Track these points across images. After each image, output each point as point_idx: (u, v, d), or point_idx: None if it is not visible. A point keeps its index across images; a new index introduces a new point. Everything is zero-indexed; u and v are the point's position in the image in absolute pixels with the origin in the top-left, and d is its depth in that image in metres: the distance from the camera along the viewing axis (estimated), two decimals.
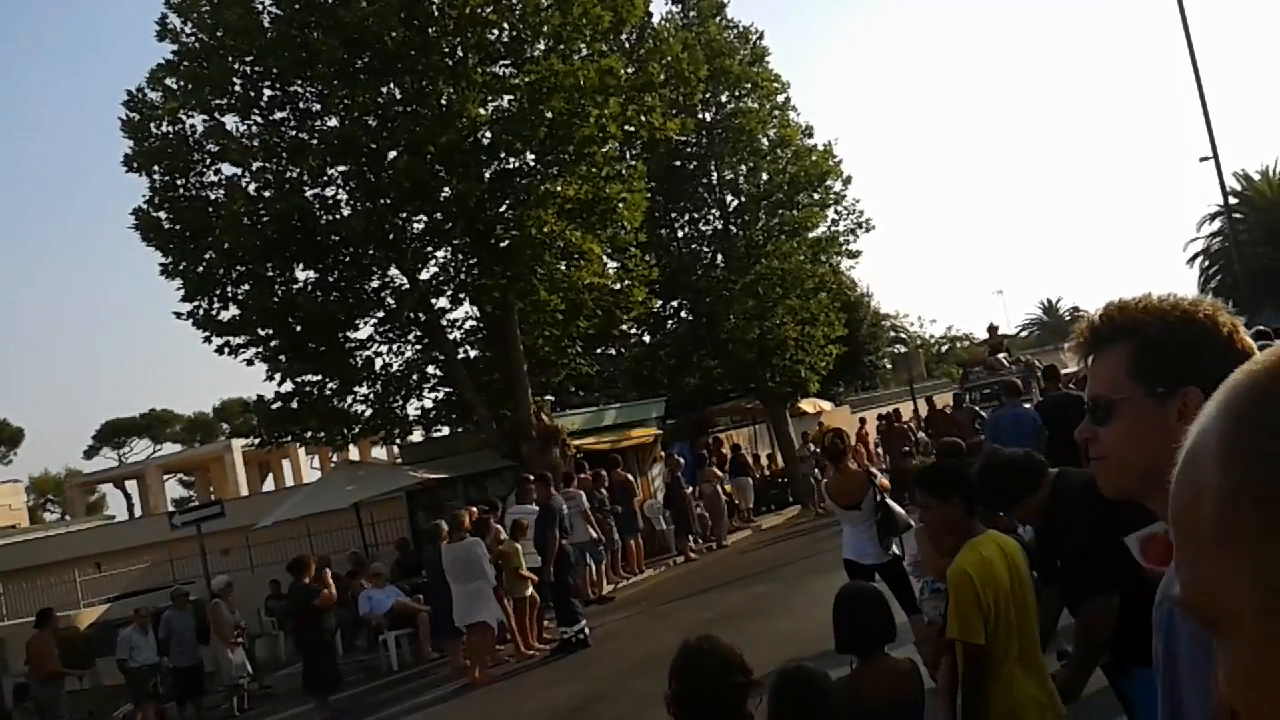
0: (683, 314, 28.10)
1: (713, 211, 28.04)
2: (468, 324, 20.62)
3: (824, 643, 5.60)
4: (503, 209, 18.67)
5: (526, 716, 10.13)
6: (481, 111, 17.52)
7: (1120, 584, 3.78)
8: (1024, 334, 72.74)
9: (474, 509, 15.13)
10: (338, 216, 18.26)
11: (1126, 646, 3.78)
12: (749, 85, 26.97)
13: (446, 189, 18.01)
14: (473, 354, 20.42)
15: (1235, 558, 0.65)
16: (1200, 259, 42.39)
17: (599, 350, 24.77)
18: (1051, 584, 4.39)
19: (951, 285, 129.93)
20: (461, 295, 19.90)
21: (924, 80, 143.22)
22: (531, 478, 15.30)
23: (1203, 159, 28.70)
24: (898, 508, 7.91)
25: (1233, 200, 33.17)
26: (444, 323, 19.73)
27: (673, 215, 27.81)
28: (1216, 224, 39.40)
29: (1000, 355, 23.55)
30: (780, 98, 27.72)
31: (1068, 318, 78.15)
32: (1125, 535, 3.75)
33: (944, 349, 56.98)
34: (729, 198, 27.93)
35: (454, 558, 12.55)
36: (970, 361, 27.89)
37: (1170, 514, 0.72)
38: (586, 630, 13.05)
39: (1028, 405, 12.84)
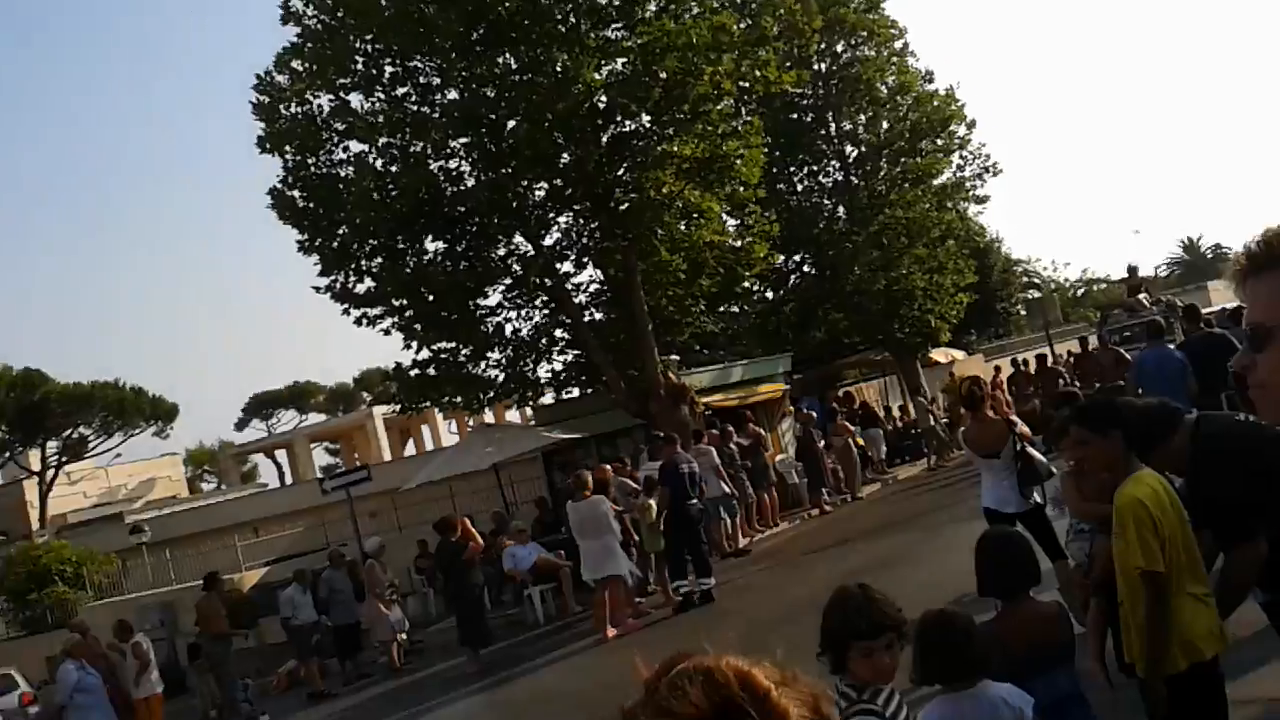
0: (805, 268, 27.92)
1: (832, 163, 27.71)
2: (592, 287, 20.94)
3: (967, 590, 5.62)
4: (621, 172, 18.80)
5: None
6: (596, 76, 17.61)
7: (1269, 529, 3.72)
8: (1165, 274, 69.60)
9: (606, 467, 15.46)
10: (462, 188, 18.67)
11: None
12: (865, 33, 26.47)
13: (565, 155, 18.21)
14: (598, 316, 20.70)
15: None
16: None
17: (722, 308, 24.80)
18: (1200, 528, 4.32)
19: (1086, 227, 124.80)
20: (585, 259, 20.18)
21: (1051, 14, 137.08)
22: (662, 435, 15.51)
23: None
24: (1039, 454, 7.80)
25: None
26: (569, 287, 20.05)
27: (791, 169, 27.57)
28: None
29: (1140, 296, 22.76)
30: (898, 44, 27.19)
31: (1210, 256, 74.57)
32: (1272, 477, 3.68)
33: (1080, 293, 55.10)
34: (848, 148, 27.54)
35: (580, 515, 12.87)
36: (1109, 304, 27.02)
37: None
38: (711, 585, 13.13)
39: (1171, 346, 12.43)
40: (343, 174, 18.76)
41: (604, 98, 18.18)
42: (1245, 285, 1.68)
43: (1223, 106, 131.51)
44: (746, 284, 22.13)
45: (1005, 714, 3.34)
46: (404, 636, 15.95)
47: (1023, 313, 37.98)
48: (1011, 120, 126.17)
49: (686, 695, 1.13)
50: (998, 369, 24.15)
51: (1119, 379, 13.55)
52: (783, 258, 25.80)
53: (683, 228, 19.61)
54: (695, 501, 13.54)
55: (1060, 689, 4.10)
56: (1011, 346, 35.64)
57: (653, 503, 13.62)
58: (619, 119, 18.74)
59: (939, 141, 27.07)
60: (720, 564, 15.78)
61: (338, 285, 18.88)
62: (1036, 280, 44.43)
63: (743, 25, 19.12)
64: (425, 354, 19.33)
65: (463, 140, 18.44)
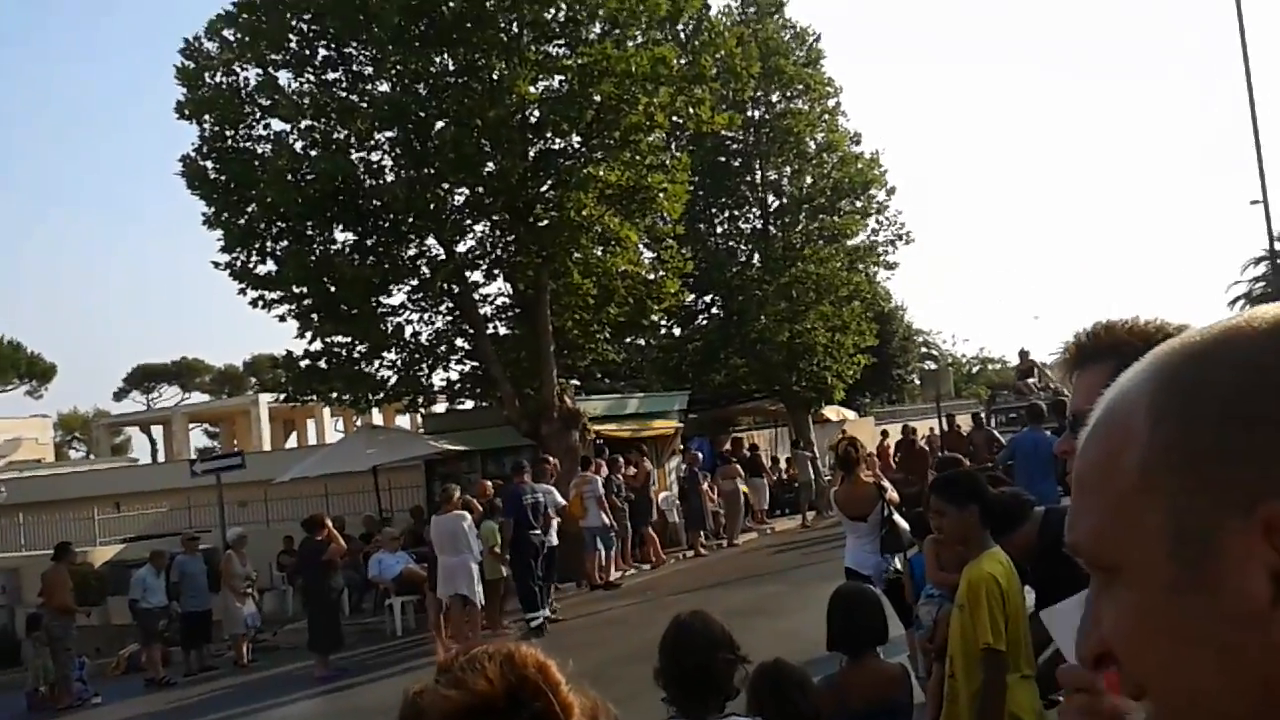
0: (714, 309, 28.11)
1: (753, 210, 28.02)
2: (499, 300, 20.73)
3: (824, 645, 5.61)
4: (544, 188, 18.71)
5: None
6: (531, 89, 17.55)
7: None
8: (1057, 361, 72.09)
9: (488, 483, 15.27)
10: (381, 182, 18.36)
11: None
12: (801, 86, 26.89)
13: (490, 164, 18.05)
14: (502, 330, 20.49)
15: (1153, 508, 0.69)
16: (1241, 302, 41.85)
17: (627, 338, 24.82)
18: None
19: (988, 307, 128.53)
20: (496, 271, 19.98)
21: (976, 105, 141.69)
22: (549, 459, 15.38)
23: (1253, 202, 28.31)
24: (903, 523, 7.90)
25: (1279, 246, 32.65)
26: (476, 297, 19.82)
27: (713, 210, 27.80)
28: (1261, 268, 38.91)
29: (1029, 380, 23.42)
30: (831, 102, 27.64)
31: None
32: None
33: (974, 369, 56.63)
34: (770, 198, 27.89)
35: (441, 529, 12.74)
36: (999, 384, 27.74)
37: (1083, 464, 0.76)
38: (539, 620, 13.11)
39: (1048, 431, 12.81)
40: (260, 151, 18.30)
41: (537, 112, 18.12)
42: (1071, 375, 1.75)
43: (1130, 207, 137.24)
44: (655, 317, 22.14)
45: None
46: (252, 632, 15.44)
47: (917, 382, 38.82)
48: (929, 194, 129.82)
49: (482, 671, 1.15)
50: (885, 433, 24.58)
51: (989, 459, 13.95)
52: (693, 296, 25.95)
53: (599, 253, 19.58)
54: (538, 532, 13.43)
55: None
56: (902, 413, 36.39)
57: (495, 525, 13.58)
58: (549, 135, 18.68)
59: (858, 203, 27.58)
60: (588, 595, 15.69)
61: (238, 264, 18.34)
62: (934, 352, 45.55)
63: (683, 61, 19.26)
64: (318, 345, 18.87)
65: (388, 134, 18.16)
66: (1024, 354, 25.33)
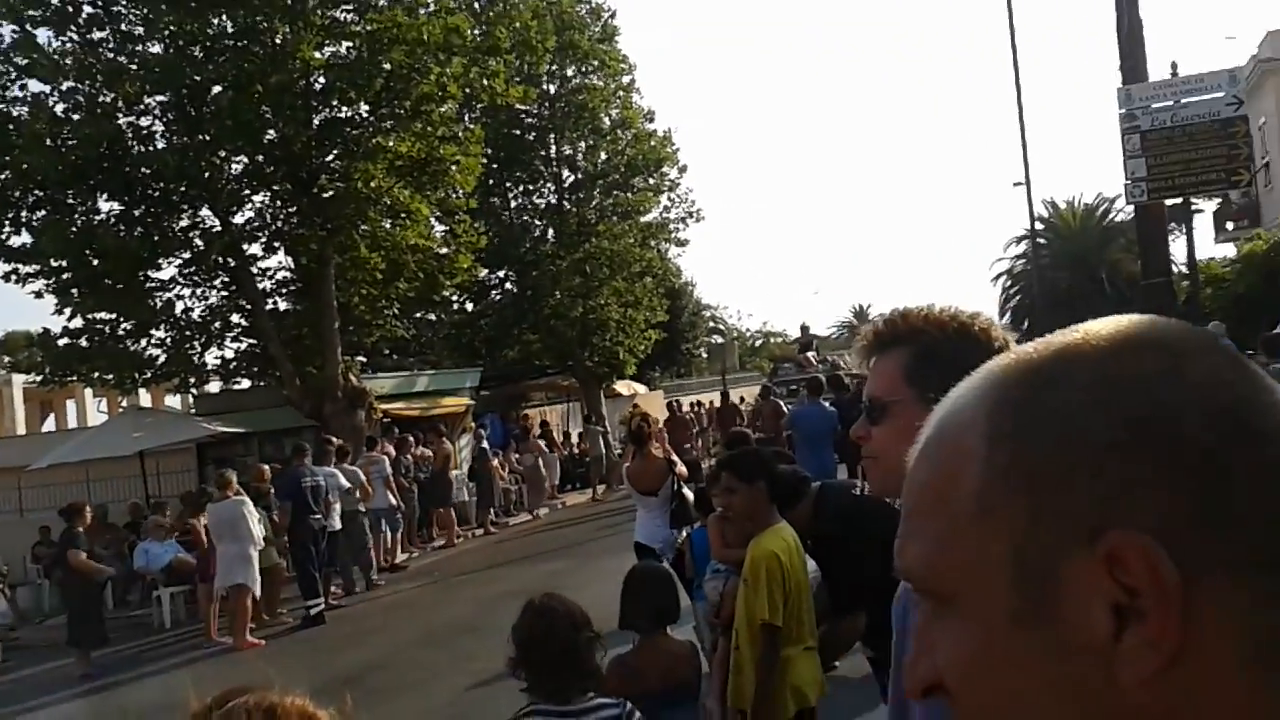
0: (507, 285, 27.91)
1: (548, 185, 27.95)
2: (280, 274, 19.91)
3: (611, 621, 5.60)
4: (329, 158, 18.03)
5: (302, 685, 9.81)
6: (317, 55, 16.85)
7: (871, 598, 3.99)
8: (835, 335, 75.51)
9: (264, 467, 14.65)
10: (151, 149, 17.20)
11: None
12: (596, 62, 26.94)
13: (271, 131, 17.26)
14: (282, 306, 19.73)
15: (992, 535, 0.65)
16: (1004, 279, 44.92)
17: (417, 314, 24.31)
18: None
19: (771, 283, 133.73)
20: (276, 244, 19.10)
21: (764, 87, 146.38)
22: (333, 440, 14.88)
23: (1016, 184, 30.43)
24: (692, 496, 8.04)
25: (1039, 226, 35.24)
26: (254, 270, 18.91)
27: (507, 185, 27.57)
28: (1022, 247, 41.82)
29: (809, 353, 24.42)
30: (626, 79, 27.85)
31: None
32: (872, 551, 3.97)
33: (758, 343, 58.60)
34: (565, 173, 27.87)
35: (219, 517, 12.17)
36: (781, 357, 28.79)
37: (914, 485, 0.72)
38: (320, 607, 12.76)
39: (826, 402, 13.37)
40: (15, 113, 16.77)
41: (322, 79, 17.41)
42: (868, 360, 1.78)
43: (907, 188, 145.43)
44: (446, 293, 21.74)
45: None
46: (2, 630, 14.27)
47: (704, 356, 39.79)
48: (719, 174, 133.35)
49: None
50: (674, 407, 25.07)
51: (777, 430, 14.49)
52: (486, 271, 25.66)
53: (387, 226, 19.01)
54: (319, 517, 13.02)
55: None
56: (690, 387, 37.24)
57: (274, 518, 13.08)
58: (335, 103, 17.98)
59: (651, 180, 27.96)
60: (374, 577, 15.35)
61: None
62: (721, 327, 46.82)
63: (477, 32, 18.91)
64: (79, 322, 17.56)
65: (159, 98, 17.04)
66: (804, 328, 26.40)
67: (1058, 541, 0.62)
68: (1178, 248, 19.45)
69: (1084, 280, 37.25)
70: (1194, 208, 17.77)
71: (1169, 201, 13.13)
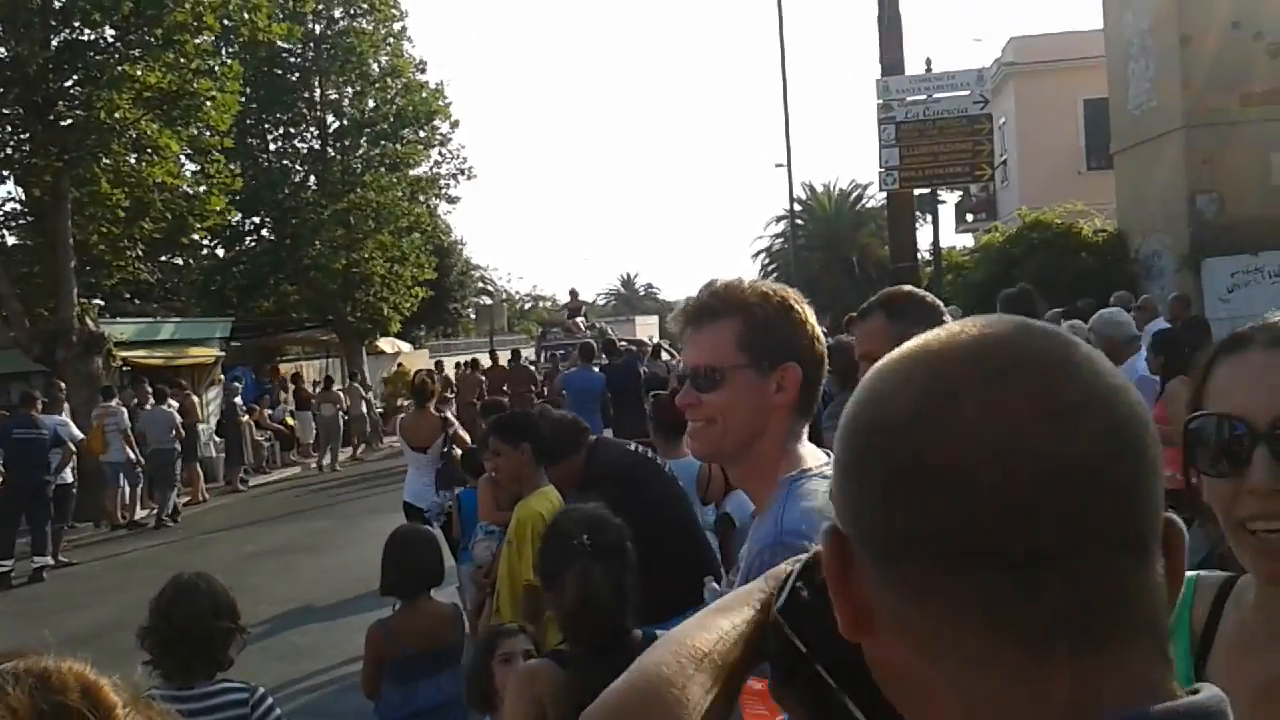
0: (264, 232, 26.58)
1: (311, 129, 26.76)
2: (9, 206, 18.23)
3: (368, 583, 5.49)
4: (68, 84, 16.55)
5: (36, 642, 9.09)
6: None
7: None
8: (603, 303, 76.47)
9: None
10: None
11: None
12: (365, 5, 25.96)
13: (2, 49, 15.65)
14: (11, 240, 18.21)
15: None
16: (762, 256, 46.78)
17: (163, 257, 22.77)
18: None
19: (542, 247, 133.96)
20: (5, 172, 17.37)
21: (542, 54, 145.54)
22: (62, 384, 13.79)
23: (778, 165, 31.64)
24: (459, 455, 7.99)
25: (797, 207, 36.81)
26: None
27: (266, 126, 26.20)
28: (781, 226, 43.66)
29: (578, 319, 24.60)
30: (397, 25, 26.95)
31: (641, 292, 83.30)
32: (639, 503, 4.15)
33: (527, 306, 58.58)
34: (330, 118, 26.78)
35: None
36: (550, 321, 28.88)
37: None
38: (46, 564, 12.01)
39: (596, 368, 13.56)
40: None
41: None
42: (693, 328, 1.85)
43: (678, 163, 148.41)
44: (196, 236, 20.43)
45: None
46: None
47: (473, 316, 39.41)
48: (492, 133, 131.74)
49: (5, 697, 0.89)
50: (439, 365, 24.73)
51: (526, 391, 14.81)
52: (240, 215, 24.31)
53: (132, 160, 17.63)
54: (35, 473, 12.08)
55: (445, 692, 4.13)
56: (456, 347, 36.80)
57: None
58: (77, 25, 16.47)
59: (421, 133, 27.21)
60: (109, 535, 14.41)
61: None
62: (490, 288, 46.45)
63: None
64: None
65: None
66: (573, 293, 26.53)
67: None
68: (924, 235, 20.88)
69: (836, 261, 39.31)
70: (939, 199, 19.02)
71: (917, 191, 14.02)
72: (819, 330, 1.85)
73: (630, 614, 2.80)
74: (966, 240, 29.96)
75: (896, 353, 0.72)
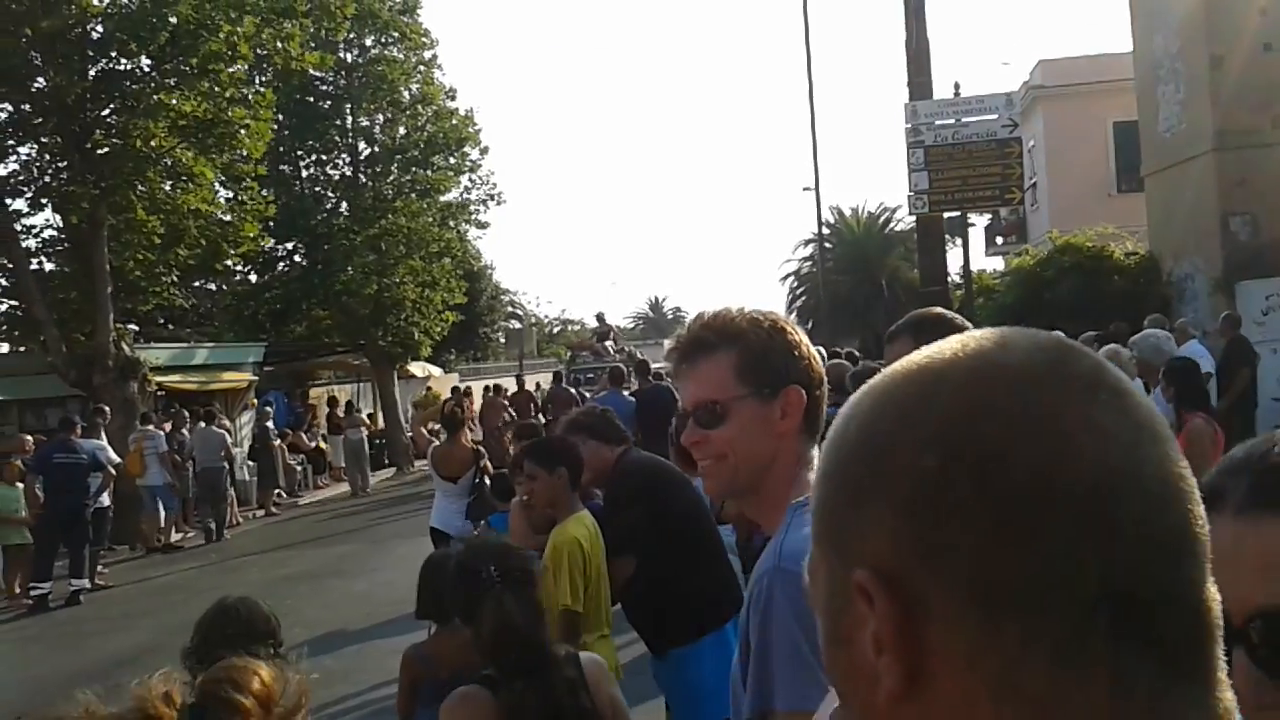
0: (296, 257, 26.81)
1: (343, 156, 27.03)
2: (47, 233, 18.48)
3: (400, 606, 5.49)
4: (106, 113, 16.85)
5: (74, 666, 9.18)
6: (95, 2, 15.72)
7: (641, 551, 4.22)
8: (631, 326, 76.61)
9: (28, 438, 13.62)
10: None
11: (664, 630, 4.19)
12: (396, 34, 26.24)
13: (41, 79, 15.98)
14: (49, 267, 18.39)
15: (820, 561, 0.71)
16: (791, 279, 46.65)
17: (198, 283, 23.04)
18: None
19: (570, 271, 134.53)
20: (44, 200, 17.71)
21: (571, 79, 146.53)
22: (107, 409, 13.98)
23: (806, 189, 31.61)
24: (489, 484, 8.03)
25: (825, 230, 36.75)
26: (18, 227, 17.47)
27: (299, 153, 26.49)
28: (809, 249, 43.53)
29: (607, 343, 24.66)
30: (427, 54, 27.24)
31: (670, 316, 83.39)
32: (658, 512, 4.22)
33: (555, 330, 58.77)
34: (362, 145, 27.04)
35: None
36: (578, 345, 28.96)
37: None
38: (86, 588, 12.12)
39: (626, 393, 13.54)
40: None
41: (101, 28, 16.23)
42: (688, 364, 1.81)
43: (706, 187, 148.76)
44: (229, 262, 20.69)
45: None
46: None
47: (502, 340, 39.56)
48: (523, 160, 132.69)
49: None
50: (469, 390, 24.84)
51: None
52: (274, 241, 24.58)
53: (168, 188, 17.92)
54: (73, 497, 12.21)
55: None
56: (486, 371, 36.93)
57: (37, 491, 12.22)
58: (115, 54, 16.79)
59: (451, 159, 27.44)
60: (145, 560, 14.54)
61: None
62: (519, 312, 46.65)
63: None
64: None
65: None
66: (601, 317, 26.63)
67: (845, 573, 0.66)
68: (953, 258, 20.79)
69: (865, 285, 39.16)
70: (969, 222, 18.95)
71: (947, 215, 14.00)
72: (813, 350, 1.84)
73: (546, 632, 2.95)
74: (997, 263, 29.79)
75: (942, 369, 0.66)
